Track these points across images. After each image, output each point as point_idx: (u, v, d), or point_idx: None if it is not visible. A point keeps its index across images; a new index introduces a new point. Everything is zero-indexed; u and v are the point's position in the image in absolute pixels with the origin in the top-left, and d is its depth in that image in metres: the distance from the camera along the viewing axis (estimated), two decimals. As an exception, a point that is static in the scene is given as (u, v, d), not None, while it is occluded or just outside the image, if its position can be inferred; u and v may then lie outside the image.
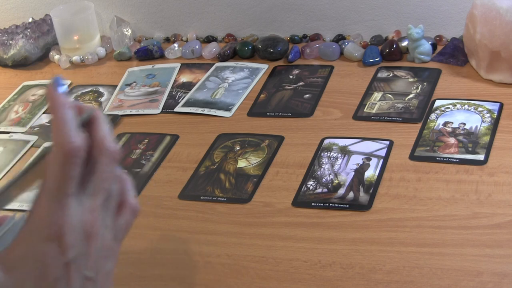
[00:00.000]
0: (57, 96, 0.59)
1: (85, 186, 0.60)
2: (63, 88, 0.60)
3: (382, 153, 1.04)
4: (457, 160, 1.01)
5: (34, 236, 0.58)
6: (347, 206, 0.96)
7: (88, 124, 0.61)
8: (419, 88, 1.19)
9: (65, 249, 0.58)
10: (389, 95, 1.18)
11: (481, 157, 1.01)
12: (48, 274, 0.58)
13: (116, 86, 1.36)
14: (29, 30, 1.47)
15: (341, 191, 0.98)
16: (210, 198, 1.02)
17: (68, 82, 1.37)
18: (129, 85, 1.35)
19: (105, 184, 0.61)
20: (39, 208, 0.59)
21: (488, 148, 1.02)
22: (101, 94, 1.34)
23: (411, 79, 1.22)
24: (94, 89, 1.36)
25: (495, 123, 1.07)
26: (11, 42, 1.46)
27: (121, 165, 0.64)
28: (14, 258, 0.58)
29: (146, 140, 1.17)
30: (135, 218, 0.66)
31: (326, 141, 1.09)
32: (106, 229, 0.62)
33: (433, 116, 1.11)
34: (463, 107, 1.11)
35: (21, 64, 1.47)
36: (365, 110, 1.16)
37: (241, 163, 1.08)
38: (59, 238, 0.58)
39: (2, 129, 1.28)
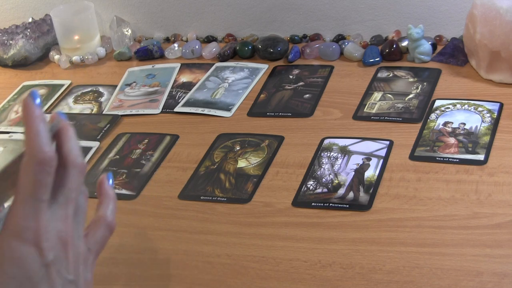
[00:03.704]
0: (33, 108, 0.62)
1: (56, 196, 0.63)
2: (38, 102, 0.63)
3: (382, 153, 1.05)
4: (457, 160, 1.01)
5: (12, 242, 0.61)
6: (347, 206, 0.96)
7: (56, 135, 0.65)
8: (419, 88, 1.19)
9: (43, 251, 0.61)
10: (389, 95, 1.18)
11: (481, 157, 1.01)
12: (30, 276, 0.61)
13: (116, 86, 1.36)
14: (29, 30, 1.47)
15: (341, 191, 0.98)
16: (210, 198, 1.02)
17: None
18: (129, 85, 1.35)
19: (73, 194, 0.65)
20: (14, 214, 0.62)
21: (488, 148, 1.02)
22: (101, 94, 1.34)
23: (411, 79, 1.22)
24: (94, 89, 1.36)
25: (495, 123, 1.07)
26: (11, 42, 1.46)
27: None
28: None
29: (146, 140, 1.17)
30: (111, 234, 0.70)
31: (326, 141, 1.09)
32: (79, 239, 0.65)
33: (433, 116, 1.11)
34: (463, 107, 1.11)
35: (21, 64, 1.47)
36: (365, 110, 1.16)
37: (241, 163, 1.08)
38: (36, 242, 0.61)
39: (2, 129, 1.28)
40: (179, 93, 1.30)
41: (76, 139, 0.65)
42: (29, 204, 0.61)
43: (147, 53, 1.43)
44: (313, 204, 0.97)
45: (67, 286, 0.63)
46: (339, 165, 1.03)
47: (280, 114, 1.19)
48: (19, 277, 0.61)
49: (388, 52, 1.28)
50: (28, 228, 0.61)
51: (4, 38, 1.47)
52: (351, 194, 0.98)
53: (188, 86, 1.31)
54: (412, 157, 1.03)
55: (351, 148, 1.07)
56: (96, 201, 1.05)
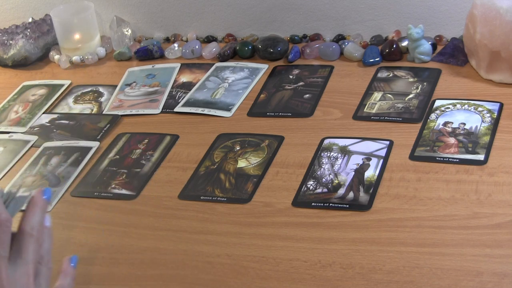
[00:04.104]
0: None
1: (16, 260, 0.73)
2: None
3: (382, 153, 1.05)
4: (457, 160, 1.01)
5: None
6: (347, 206, 0.96)
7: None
8: (419, 88, 1.19)
9: None
10: (389, 95, 1.18)
11: (481, 157, 1.01)
12: None
13: (116, 86, 1.36)
14: (29, 30, 1.47)
15: (341, 191, 0.98)
16: (210, 198, 1.02)
17: None
18: (129, 85, 1.35)
19: (30, 257, 0.73)
20: None
21: (488, 148, 1.02)
22: (101, 94, 1.34)
23: (411, 79, 1.22)
24: (94, 89, 1.36)
25: (495, 123, 1.07)
26: (11, 42, 1.46)
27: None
28: None
29: (146, 140, 1.17)
30: None
31: (326, 141, 1.09)
32: None
33: (433, 116, 1.11)
34: (463, 107, 1.11)
35: (21, 64, 1.47)
36: (365, 110, 1.16)
37: (241, 163, 1.08)
38: None
39: (2, 129, 1.28)
40: (179, 93, 1.30)
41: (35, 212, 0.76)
42: None
43: (147, 53, 1.43)
44: (313, 204, 0.97)
45: None
46: (339, 165, 1.03)
47: (280, 114, 1.19)
48: None
49: (388, 52, 1.28)
50: None
51: (4, 38, 1.47)
52: (351, 194, 0.98)
53: (188, 86, 1.31)
54: (412, 157, 1.03)
55: (351, 148, 1.07)
56: (95, 200, 1.06)
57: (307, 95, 1.23)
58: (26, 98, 1.36)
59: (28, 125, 1.28)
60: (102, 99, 1.32)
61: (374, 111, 1.15)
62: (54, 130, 1.25)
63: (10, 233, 0.72)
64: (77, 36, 1.45)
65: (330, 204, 0.97)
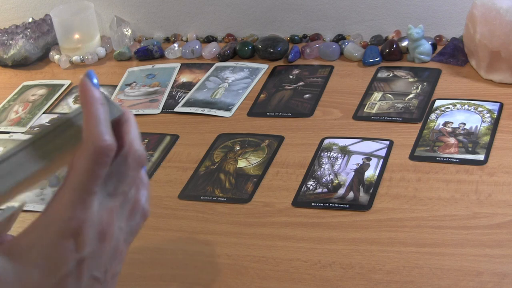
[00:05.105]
0: (91, 90, 0.58)
1: (106, 186, 0.59)
2: (96, 82, 0.58)
3: (382, 153, 1.05)
4: (457, 160, 1.01)
5: (50, 229, 0.57)
6: (347, 206, 0.96)
7: (117, 123, 0.60)
8: (419, 88, 1.19)
9: (81, 246, 0.57)
10: (389, 95, 1.18)
11: (481, 157, 1.01)
12: (59, 268, 0.57)
13: (116, 86, 1.36)
14: (29, 30, 1.47)
15: (341, 191, 0.98)
16: (210, 198, 1.02)
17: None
18: (129, 85, 1.35)
19: (126, 187, 0.60)
20: (59, 202, 0.57)
21: (488, 148, 1.02)
22: (101, 94, 1.34)
23: (411, 79, 1.22)
24: (94, 89, 1.36)
25: (495, 123, 1.07)
26: (11, 42, 1.46)
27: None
28: (22, 247, 0.57)
29: (146, 140, 1.17)
30: (144, 222, 0.64)
31: (326, 141, 1.09)
32: (120, 231, 0.61)
33: (433, 116, 1.11)
34: (463, 107, 1.11)
35: (21, 64, 1.47)
36: (365, 110, 1.16)
37: (241, 163, 1.08)
38: (77, 234, 0.57)
39: (2, 129, 1.28)
40: (179, 93, 1.30)
41: (137, 128, 0.62)
42: (78, 195, 0.57)
43: (147, 53, 1.43)
44: (313, 204, 0.97)
45: (92, 284, 0.59)
46: (339, 165, 1.03)
47: (280, 114, 1.19)
48: (47, 267, 0.57)
49: (388, 52, 1.28)
50: (72, 219, 0.56)
51: (4, 38, 1.47)
52: (351, 194, 0.98)
53: (188, 86, 1.31)
54: (412, 157, 1.03)
55: (351, 148, 1.07)
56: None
57: (307, 95, 1.23)
58: (26, 98, 1.36)
59: (28, 125, 1.28)
60: (102, 99, 1.32)
61: (374, 111, 1.15)
62: (54, 130, 1.25)
63: (109, 165, 0.58)
64: (77, 36, 1.45)
65: (330, 204, 0.97)
